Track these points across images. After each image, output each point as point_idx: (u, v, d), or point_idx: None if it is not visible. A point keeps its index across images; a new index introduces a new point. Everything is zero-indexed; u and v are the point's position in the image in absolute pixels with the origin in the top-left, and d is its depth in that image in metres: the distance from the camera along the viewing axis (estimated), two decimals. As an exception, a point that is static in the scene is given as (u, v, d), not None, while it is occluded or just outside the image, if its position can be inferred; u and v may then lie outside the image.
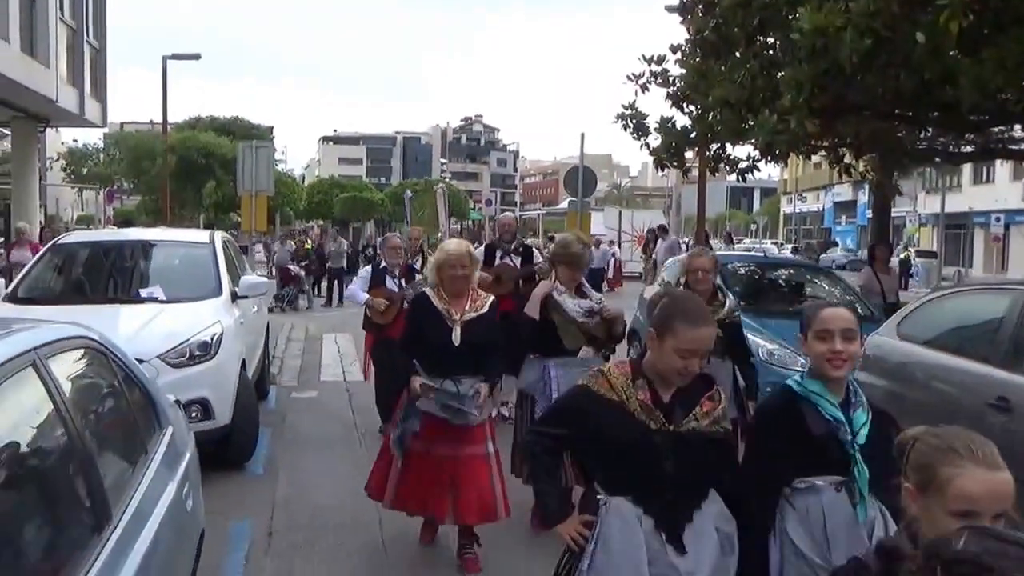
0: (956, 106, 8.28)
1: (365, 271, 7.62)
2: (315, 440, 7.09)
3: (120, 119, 54.80)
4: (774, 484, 2.52)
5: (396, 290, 6.99)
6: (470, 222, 58.48)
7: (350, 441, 7.06)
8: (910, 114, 10.47)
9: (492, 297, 4.54)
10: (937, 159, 13.85)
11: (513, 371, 4.91)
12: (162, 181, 28.23)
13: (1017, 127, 12.44)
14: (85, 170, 43.41)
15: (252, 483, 5.88)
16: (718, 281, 5.13)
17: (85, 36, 16.90)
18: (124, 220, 32.32)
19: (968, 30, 6.51)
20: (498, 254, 7.70)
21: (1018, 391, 4.39)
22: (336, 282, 19.66)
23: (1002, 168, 36.57)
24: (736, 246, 37.13)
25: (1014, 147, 13.85)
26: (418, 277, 6.98)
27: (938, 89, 8.32)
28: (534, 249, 8.25)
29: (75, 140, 44.65)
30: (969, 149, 13.98)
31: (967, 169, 36.58)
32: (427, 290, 4.47)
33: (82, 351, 2.67)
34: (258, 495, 5.59)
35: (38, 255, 7.67)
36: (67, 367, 2.44)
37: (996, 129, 12.41)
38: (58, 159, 41.50)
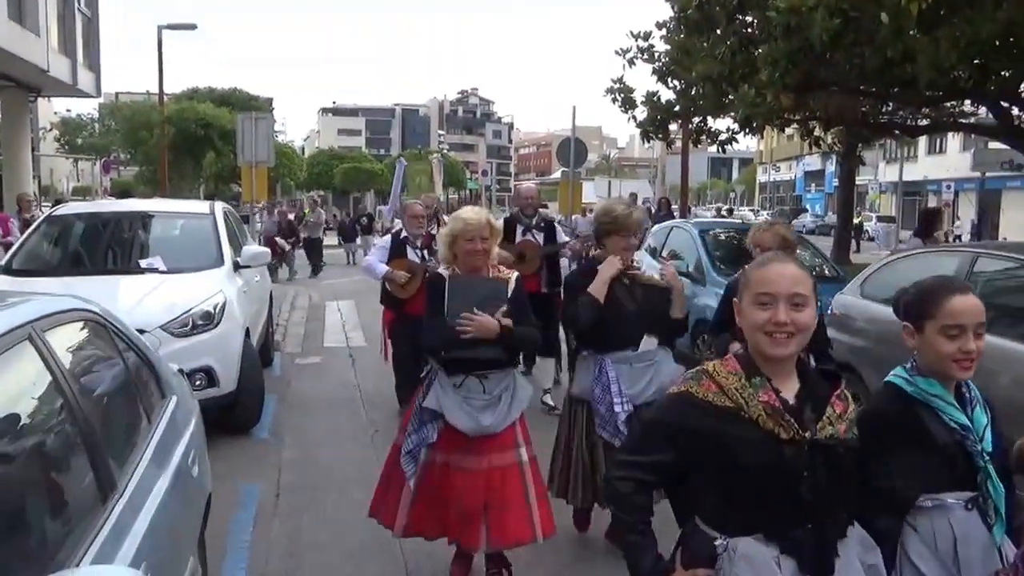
0: (914, 82, 8.27)
1: (384, 241, 6.61)
2: (320, 404, 7.00)
3: (115, 89, 53.49)
4: (900, 505, 1.98)
5: (419, 261, 6.16)
6: (467, 191, 58.15)
7: (354, 405, 6.97)
8: (873, 90, 10.45)
9: (515, 274, 3.56)
10: (896, 131, 14.01)
11: (548, 351, 4.30)
12: (160, 152, 27.59)
13: (967, 102, 12.48)
14: (80, 141, 42.34)
15: (259, 447, 5.79)
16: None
17: (77, 5, 16.32)
18: (122, 191, 31.23)
19: (926, 12, 6.49)
20: (519, 229, 6.68)
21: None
22: (312, 253, 18.87)
23: (953, 140, 37.35)
24: (731, 216, 37.18)
25: (964, 120, 13.97)
26: None
27: (899, 67, 8.33)
28: (557, 226, 7.20)
29: (68, 110, 43.55)
30: (925, 122, 14.12)
31: (923, 141, 37.06)
32: (441, 270, 3.51)
33: (81, 323, 2.54)
34: (265, 459, 5.51)
35: (34, 226, 7.17)
36: (65, 340, 2.32)
37: (949, 104, 12.49)
38: (51, 129, 40.39)
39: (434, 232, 6.59)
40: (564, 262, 7.15)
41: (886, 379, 2.10)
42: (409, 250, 6.22)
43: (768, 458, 1.74)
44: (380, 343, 6.79)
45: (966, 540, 1.94)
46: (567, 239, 6.85)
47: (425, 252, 6.16)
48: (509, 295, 3.43)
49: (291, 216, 20.89)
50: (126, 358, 2.78)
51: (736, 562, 1.75)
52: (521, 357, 3.97)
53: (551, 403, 6.24)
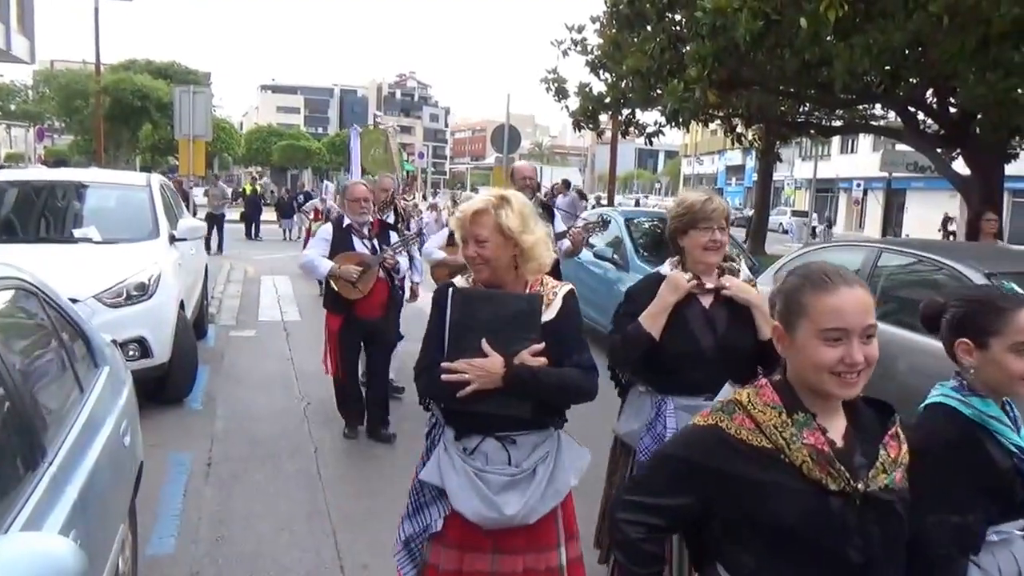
0: (830, 85, 8.55)
1: (324, 231, 5.19)
2: (253, 376, 6.86)
3: (51, 57, 50.67)
4: (970, 542, 1.70)
5: (369, 253, 5.00)
6: (404, 173, 57.43)
7: (287, 378, 6.86)
8: (792, 90, 10.77)
9: (565, 287, 2.35)
10: (812, 131, 14.47)
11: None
12: (95, 122, 26.40)
13: (878, 106, 13.01)
14: (13, 107, 40.27)
15: (191, 417, 5.65)
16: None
17: (11, -30, 15.50)
18: (57, 160, 29.83)
19: (843, 19, 6.73)
20: None
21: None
22: (215, 228, 17.22)
23: (864, 141, 38.70)
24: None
25: (874, 123, 14.55)
26: (394, 238, 5.24)
27: (816, 70, 8.62)
28: (556, 209, 5.98)
29: (1, 75, 41.33)
30: (838, 123, 14.63)
31: (836, 141, 38.42)
32: (459, 281, 2.36)
33: (12, 291, 2.44)
34: (197, 429, 5.38)
35: None
36: (-5, 308, 2.24)
37: (861, 107, 12.97)
38: (-18, 95, 38.32)
39: (389, 220, 5.86)
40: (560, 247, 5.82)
41: (932, 400, 1.82)
42: (356, 240, 5.02)
43: (811, 513, 1.41)
44: (322, 354, 5.39)
45: None
46: (563, 227, 5.65)
47: (375, 242, 5.05)
48: (552, 318, 2.25)
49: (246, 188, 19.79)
50: (58, 327, 2.69)
51: None
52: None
53: None
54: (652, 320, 2.55)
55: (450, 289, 2.27)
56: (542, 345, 2.19)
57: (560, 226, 5.65)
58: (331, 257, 4.97)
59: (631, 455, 2.76)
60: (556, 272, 5.30)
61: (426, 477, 2.31)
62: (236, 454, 4.96)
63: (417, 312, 5.14)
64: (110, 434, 2.68)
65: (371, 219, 5.17)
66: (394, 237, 5.26)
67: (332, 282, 4.99)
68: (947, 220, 28.71)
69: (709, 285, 2.61)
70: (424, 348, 2.32)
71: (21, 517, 1.78)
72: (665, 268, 2.72)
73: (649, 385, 2.70)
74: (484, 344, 2.17)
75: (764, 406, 1.47)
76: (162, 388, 5.68)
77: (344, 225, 5.10)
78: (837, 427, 1.48)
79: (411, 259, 5.80)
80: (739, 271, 2.77)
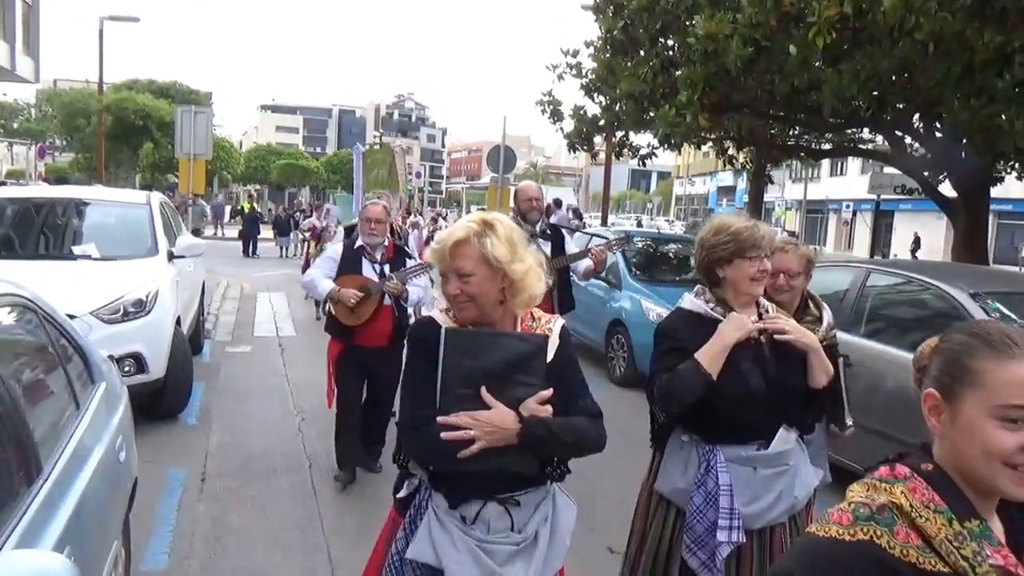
0: (819, 109, 8.64)
1: (333, 251, 4.86)
2: (248, 392, 6.83)
3: (54, 76, 51.02)
4: None
5: (376, 279, 4.64)
6: (403, 194, 57.51)
7: (282, 393, 6.84)
8: (782, 114, 10.85)
9: (559, 321, 2.07)
10: (802, 154, 14.57)
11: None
12: (97, 140, 26.49)
13: (866, 130, 13.14)
14: (16, 125, 40.44)
15: (186, 433, 5.62)
16: (809, 287, 3.02)
17: (18, -8, 15.64)
18: (58, 177, 29.80)
19: (831, 46, 6.81)
20: None
21: (859, 350, 4.82)
22: None
23: (853, 163, 39.03)
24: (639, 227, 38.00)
25: (863, 146, 14.69)
26: (410, 263, 4.78)
27: (805, 94, 8.70)
28: (564, 231, 5.53)
29: (4, 94, 41.52)
30: (828, 146, 14.74)
31: (825, 163, 38.72)
32: (435, 313, 2.01)
33: (10, 307, 2.44)
34: (192, 444, 5.36)
35: None
36: (-7, 324, 2.24)
37: (850, 131, 13.08)
38: (-14, 113, 38.54)
39: (398, 243, 5.36)
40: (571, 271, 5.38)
41: None
42: (365, 264, 4.68)
43: None
44: (325, 382, 5.03)
45: None
46: (576, 250, 5.26)
47: (386, 267, 4.69)
48: (551, 359, 1.95)
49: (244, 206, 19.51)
50: (55, 343, 2.68)
51: None
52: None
53: None
54: (711, 360, 2.23)
55: (443, 329, 1.90)
56: (550, 392, 1.89)
57: (572, 247, 5.35)
58: (337, 279, 4.63)
59: (672, 511, 2.41)
60: (566, 296, 5.25)
61: (416, 555, 1.89)
62: (230, 469, 4.93)
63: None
64: (105, 450, 2.67)
65: (386, 242, 4.77)
66: (411, 263, 4.80)
67: (331, 305, 4.68)
68: (917, 239, 32.74)
69: (769, 325, 2.35)
70: (408, 399, 1.93)
71: (16, 533, 1.77)
72: (696, 303, 2.40)
73: (693, 433, 2.37)
74: (485, 393, 1.84)
75: (923, 507, 1.07)
76: (158, 403, 5.66)
77: (356, 246, 4.74)
78: (997, 528, 1.11)
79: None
80: (822, 319, 2.74)
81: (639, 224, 42.62)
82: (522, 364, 1.88)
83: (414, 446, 1.92)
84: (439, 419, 1.83)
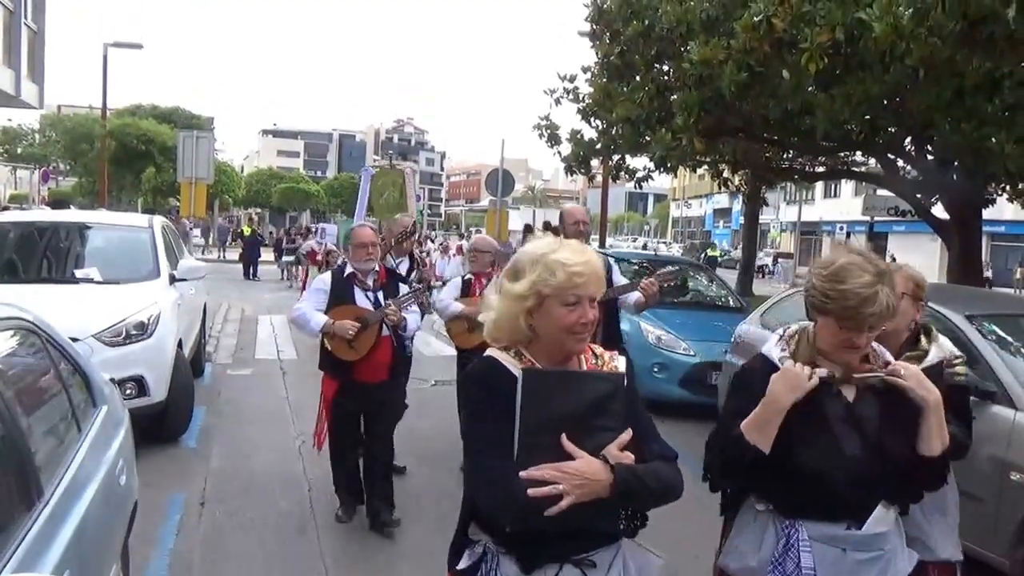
0: (812, 133, 8.71)
1: (322, 281, 4.46)
2: (248, 415, 6.80)
3: (57, 102, 51.33)
4: None
5: (372, 308, 4.28)
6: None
7: (282, 416, 6.80)
8: (776, 138, 10.93)
9: (621, 356, 1.85)
10: (796, 176, 14.68)
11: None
12: (100, 164, 26.64)
13: (859, 153, 13.23)
14: (20, 150, 40.68)
15: (186, 456, 5.58)
16: (918, 316, 2.57)
17: (23, 18, 15.79)
18: (57, 200, 29.77)
19: (824, 71, 6.88)
20: None
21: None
22: None
23: (847, 186, 39.46)
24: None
25: (856, 169, 14.80)
26: (404, 289, 4.50)
27: (798, 118, 8.78)
28: (612, 262, 5.09)
29: (9, 120, 41.82)
30: (821, 169, 14.85)
31: (819, 186, 39.04)
32: (497, 353, 1.76)
33: (12, 331, 2.43)
34: (191, 468, 5.32)
35: None
36: (-4, 347, 2.23)
37: (842, 154, 13.18)
38: (-10, 138, 38.81)
39: (402, 268, 5.13)
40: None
41: None
42: (358, 292, 4.31)
43: None
44: (316, 426, 4.66)
45: None
46: (624, 281, 4.92)
47: (380, 294, 4.34)
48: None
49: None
50: (58, 366, 2.67)
51: None
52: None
53: None
54: (759, 431, 1.85)
55: (521, 371, 1.67)
56: (630, 434, 1.66)
57: (619, 278, 4.97)
58: (328, 311, 4.25)
59: None
60: (614, 329, 4.77)
61: None
62: (230, 492, 4.89)
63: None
64: (106, 474, 2.65)
65: (377, 267, 4.43)
66: (403, 289, 4.50)
67: (326, 340, 4.29)
68: (893, 260, 32.86)
69: (888, 378, 1.89)
70: (479, 451, 1.68)
71: (15, 558, 1.75)
72: (775, 348, 1.99)
73: (770, 503, 1.95)
74: (566, 442, 1.61)
75: None
76: (159, 426, 5.61)
77: (346, 274, 4.36)
78: None
79: (421, 314, 4.90)
80: (927, 354, 2.17)
81: (645, 247, 42.62)
82: (599, 406, 1.66)
83: (498, 505, 1.65)
84: (522, 474, 1.58)
